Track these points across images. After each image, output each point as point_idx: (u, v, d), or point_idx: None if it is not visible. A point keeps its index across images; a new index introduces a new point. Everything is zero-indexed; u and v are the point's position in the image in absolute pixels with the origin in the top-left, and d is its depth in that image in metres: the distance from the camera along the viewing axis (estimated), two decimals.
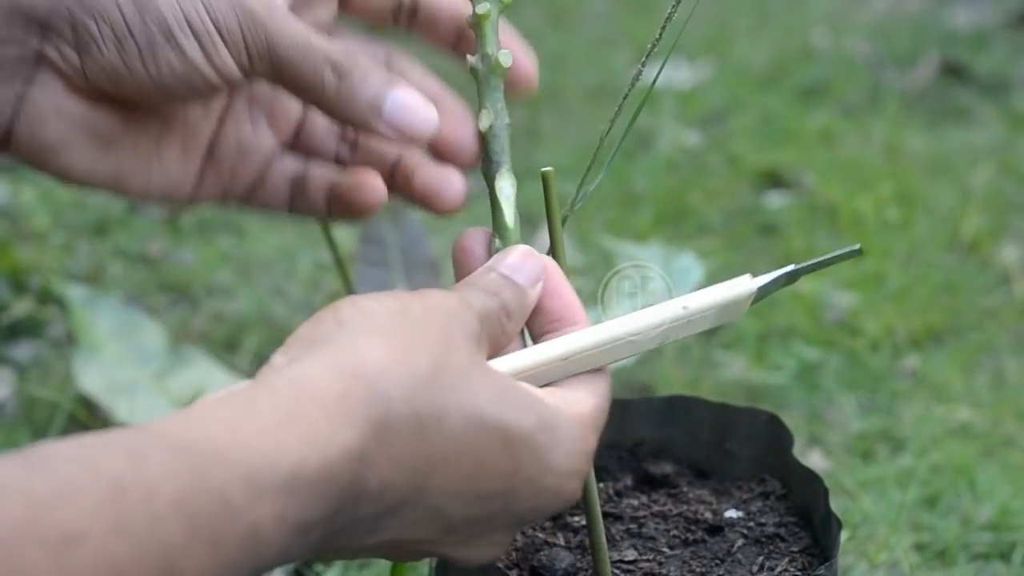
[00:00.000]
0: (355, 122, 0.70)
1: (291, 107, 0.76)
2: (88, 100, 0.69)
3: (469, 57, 0.71)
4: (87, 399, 1.34)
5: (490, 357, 0.63)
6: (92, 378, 1.35)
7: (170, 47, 0.66)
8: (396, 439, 0.55)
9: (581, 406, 0.63)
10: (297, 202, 0.76)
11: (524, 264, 0.65)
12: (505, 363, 0.63)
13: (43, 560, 0.45)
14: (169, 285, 1.65)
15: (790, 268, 0.70)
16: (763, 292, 0.70)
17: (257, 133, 0.75)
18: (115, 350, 1.40)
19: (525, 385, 0.62)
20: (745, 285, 0.69)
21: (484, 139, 0.71)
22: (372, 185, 0.74)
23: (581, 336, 0.65)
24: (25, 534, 0.45)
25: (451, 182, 0.74)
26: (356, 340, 0.56)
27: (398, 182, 0.75)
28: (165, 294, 1.64)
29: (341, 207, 0.75)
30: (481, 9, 0.70)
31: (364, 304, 0.59)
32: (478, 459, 0.57)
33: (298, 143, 0.76)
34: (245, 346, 1.50)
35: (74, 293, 1.46)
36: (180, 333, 1.52)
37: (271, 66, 0.68)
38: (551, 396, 0.62)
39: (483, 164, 0.72)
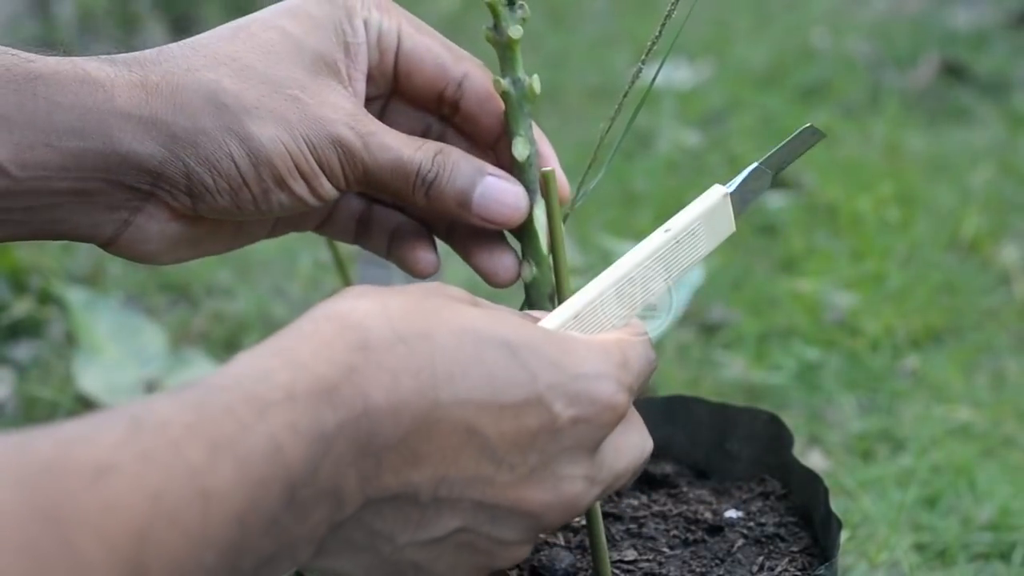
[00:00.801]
0: (449, 217, 0.74)
1: None
2: (191, 222, 0.73)
3: (500, 81, 0.71)
4: (87, 399, 1.34)
5: None
6: (92, 379, 1.35)
7: (281, 191, 0.70)
8: (382, 352, 0.56)
9: (597, 338, 0.63)
10: (362, 239, 0.79)
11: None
12: None
13: (82, 489, 0.47)
14: (169, 285, 1.65)
15: (755, 164, 0.71)
16: (742, 198, 0.70)
17: (324, 184, 0.76)
18: (115, 351, 1.41)
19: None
20: (717, 192, 0.70)
21: (519, 168, 0.71)
22: (426, 260, 0.77)
23: (582, 293, 0.66)
24: (59, 467, 0.47)
25: (505, 265, 0.75)
26: (326, 302, 0.59)
27: (455, 242, 0.77)
28: (165, 294, 1.64)
29: (398, 261, 0.78)
30: (515, 33, 0.70)
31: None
32: (484, 367, 0.57)
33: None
34: (245, 346, 1.49)
35: (74, 295, 1.46)
36: (180, 333, 1.52)
37: (366, 185, 0.72)
38: (562, 331, 0.63)
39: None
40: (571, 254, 1.64)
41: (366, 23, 0.73)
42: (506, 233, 0.75)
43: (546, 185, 0.71)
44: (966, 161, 2.02)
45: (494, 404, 0.57)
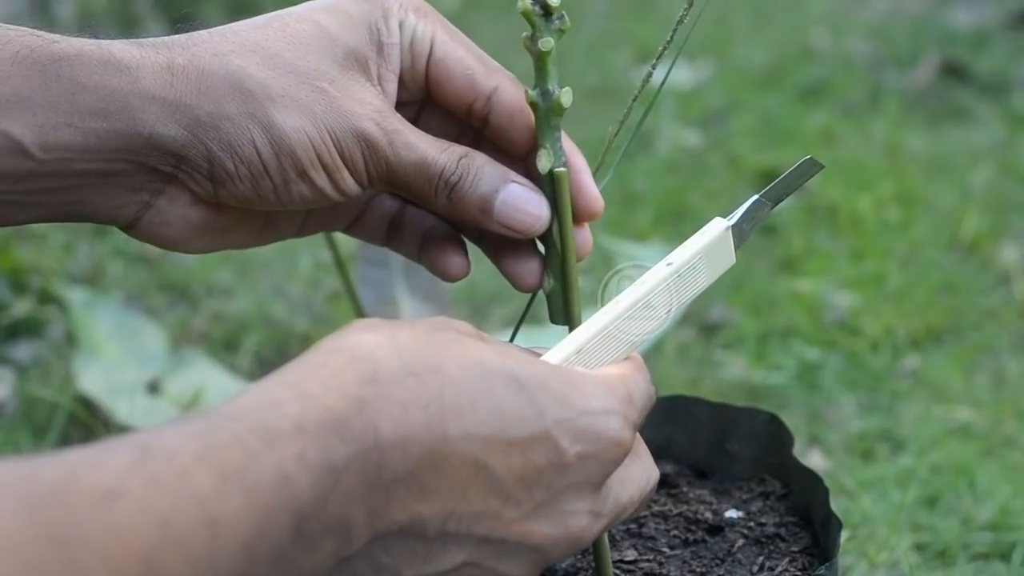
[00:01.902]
0: (470, 224, 0.73)
1: None
2: (212, 208, 0.72)
3: (529, 91, 0.71)
4: (87, 399, 1.34)
5: None
6: (92, 379, 1.35)
7: (303, 181, 0.70)
8: (392, 385, 0.56)
9: (602, 373, 0.63)
10: (393, 241, 0.78)
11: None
12: None
13: (89, 513, 0.47)
14: (169, 285, 1.65)
15: (755, 197, 0.71)
16: (742, 230, 0.71)
17: (346, 178, 0.76)
18: (115, 351, 1.41)
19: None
20: (718, 225, 0.70)
21: (541, 179, 0.71)
22: (457, 264, 0.76)
23: (586, 327, 0.66)
24: (67, 491, 0.47)
25: (531, 270, 0.74)
26: (332, 336, 0.59)
27: (485, 246, 0.76)
28: (165, 294, 1.64)
29: (428, 264, 0.77)
30: (545, 46, 0.70)
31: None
32: (493, 403, 0.57)
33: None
34: (245, 346, 1.50)
35: (74, 295, 1.46)
36: (180, 333, 1.52)
37: (389, 183, 0.71)
38: (569, 367, 0.63)
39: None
40: None
41: (401, 25, 0.73)
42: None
43: (558, 186, 0.71)
44: (966, 161, 2.02)
45: (502, 439, 0.57)
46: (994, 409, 1.38)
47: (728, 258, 0.71)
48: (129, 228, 0.72)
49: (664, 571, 0.77)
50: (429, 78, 0.73)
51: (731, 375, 1.46)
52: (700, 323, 1.55)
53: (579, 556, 0.78)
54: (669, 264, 0.68)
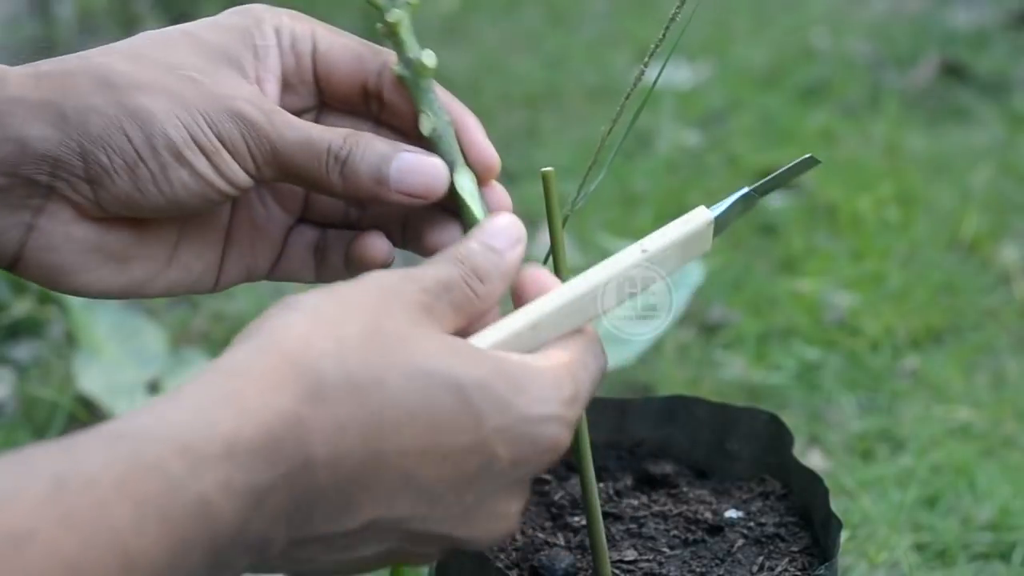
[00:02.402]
0: (367, 198, 0.71)
1: (294, 188, 0.76)
2: (99, 225, 0.69)
3: (394, 67, 0.70)
4: (87, 399, 1.34)
5: (464, 325, 0.62)
6: (92, 379, 1.35)
7: (181, 166, 0.67)
8: (332, 402, 0.55)
9: (550, 360, 0.62)
10: (321, 270, 0.76)
11: (499, 227, 0.65)
12: (477, 340, 0.63)
13: (0, 559, 0.45)
14: None
15: (745, 190, 0.70)
16: (724, 221, 0.69)
17: (269, 212, 0.75)
18: (115, 351, 1.41)
19: (482, 345, 0.62)
20: (702, 216, 0.68)
21: (431, 142, 0.70)
22: (377, 247, 0.74)
23: (547, 300, 0.65)
24: None
25: (454, 237, 0.72)
26: (281, 326, 0.57)
27: (409, 237, 0.75)
28: None
29: (355, 268, 0.75)
30: (392, 17, 0.70)
31: (292, 299, 0.59)
32: (431, 415, 0.57)
33: (310, 213, 0.76)
34: None
35: (74, 296, 1.46)
36: (180, 333, 1.52)
37: (277, 168, 0.69)
38: (515, 355, 0.61)
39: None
40: (571, 254, 1.64)
41: (277, 30, 0.72)
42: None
43: (545, 185, 0.71)
44: (966, 161, 2.02)
45: (437, 452, 0.57)
46: (994, 409, 1.38)
47: (704, 246, 0.69)
48: (15, 263, 0.69)
49: (664, 571, 0.77)
50: (318, 74, 0.72)
51: (731, 375, 1.46)
52: (700, 323, 1.55)
53: (579, 556, 0.78)
54: (644, 251, 0.67)
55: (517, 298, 0.66)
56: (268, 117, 0.68)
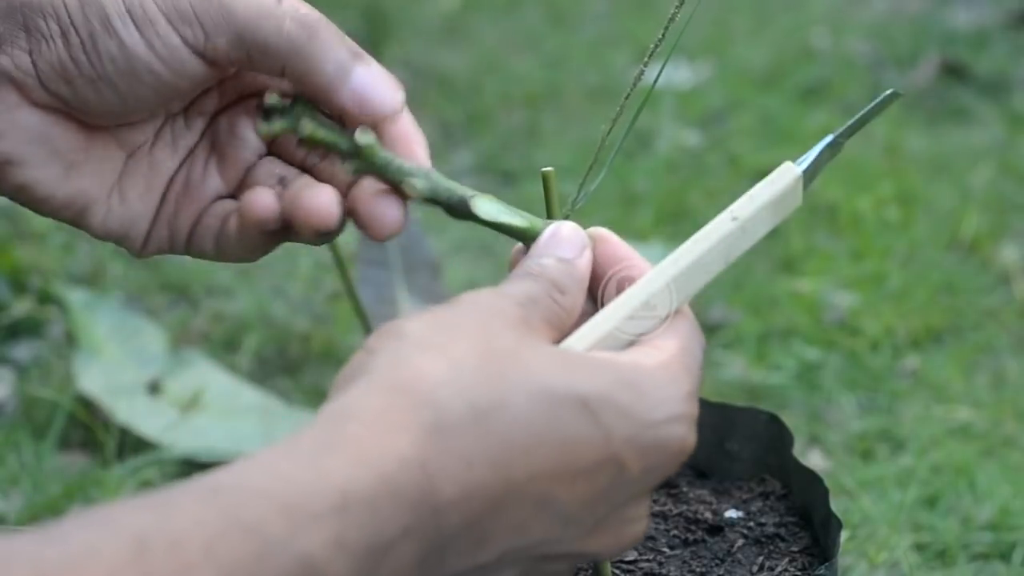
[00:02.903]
0: (319, 87, 0.66)
1: (244, 156, 0.72)
2: (45, 114, 0.68)
3: (344, 168, 0.67)
4: (87, 399, 1.34)
5: (557, 337, 0.61)
6: (92, 379, 1.35)
7: (108, 36, 0.65)
8: (456, 435, 0.52)
9: (662, 353, 0.60)
10: (221, 240, 0.72)
11: (564, 237, 0.64)
12: (574, 341, 0.61)
13: None
14: (169, 285, 1.65)
15: (829, 138, 0.67)
16: (813, 173, 0.66)
17: (206, 174, 0.72)
18: (115, 351, 1.41)
19: (592, 352, 0.60)
20: (790, 173, 0.66)
21: (431, 201, 0.67)
22: (325, 199, 0.68)
23: (639, 288, 0.63)
24: None
25: (394, 212, 0.67)
26: (390, 359, 0.54)
27: (349, 210, 0.70)
28: (165, 294, 1.64)
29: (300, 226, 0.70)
30: (364, 139, 0.67)
31: (393, 327, 0.56)
32: (561, 435, 0.54)
33: (240, 188, 0.72)
34: (245, 346, 1.50)
35: (74, 295, 1.46)
36: (180, 333, 1.52)
37: (232, 35, 0.65)
38: (625, 355, 0.60)
39: (451, 213, 0.68)
40: None
41: None
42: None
43: (546, 185, 0.71)
44: (966, 161, 2.02)
45: (568, 472, 0.55)
46: (994, 409, 1.38)
47: (795, 201, 0.66)
48: None
49: (664, 571, 0.77)
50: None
51: (731, 375, 1.46)
52: (700, 323, 1.55)
53: None
54: (735, 219, 0.65)
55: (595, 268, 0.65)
56: None
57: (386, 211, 0.67)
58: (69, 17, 0.65)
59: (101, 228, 0.70)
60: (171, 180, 0.71)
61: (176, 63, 0.66)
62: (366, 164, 0.67)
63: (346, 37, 0.67)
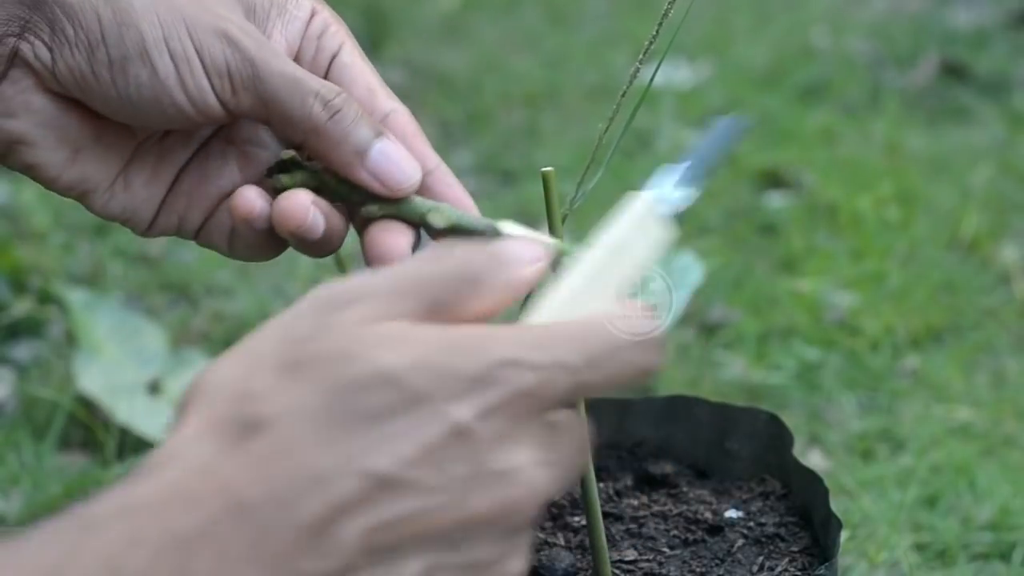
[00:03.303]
0: (337, 163, 0.68)
1: (263, 156, 0.73)
2: (57, 101, 0.69)
3: (370, 210, 0.69)
4: (87, 399, 1.34)
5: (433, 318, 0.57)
6: (92, 378, 1.35)
7: (141, 63, 0.66)
8: (254, 511, 0.51)
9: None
10: (231, 237, 0.73)
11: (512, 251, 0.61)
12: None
13: None
14: (169, 285, 1.65)
15: (682, 166, 0.68)
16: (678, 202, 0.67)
17: (224, 168, 0.73)
18: (115, 351, 1.41)
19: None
20: (639, 201, 0.67)
21: (455, 231, 0.68)
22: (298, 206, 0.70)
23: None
24: None
25: (400, 245, 0.69)
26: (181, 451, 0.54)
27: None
28: (165, 294, 1.64)
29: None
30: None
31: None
32: (362, 412, 0.52)
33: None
34: None
35: (74, 295, 1.46)
36: (180, 333, 1.52)
37: (256, 97, 0.67)
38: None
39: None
40: None
41: (313, 12, 0.71)
42: None
43: (545, 185, 0.71)
44: (966, 161, 2.02)
45: (385, 440, 0.52)
46: (994, 409, 1.38)
47: (659, 232, 0.66)
48: None
49: (664, 571, 0.77)
50: (329, 78, 0.71)
51: (731, 375, 1.46)
52: (700, 323, 1.55)
53: (579, 556, 0.78)
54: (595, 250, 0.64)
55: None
56: (257, 44, 0.67)
57: (393, 247, 0.68)
58: (102, 34, 0.66)
59: (103, 210, 0.71)
60: (183, 170, 0.72)
61: (200, 104, 0.67)
62: (391, 209, 0.69)
63: (365, 114, 0.68)
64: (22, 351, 1.48)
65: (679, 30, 0.74)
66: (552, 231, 0.72)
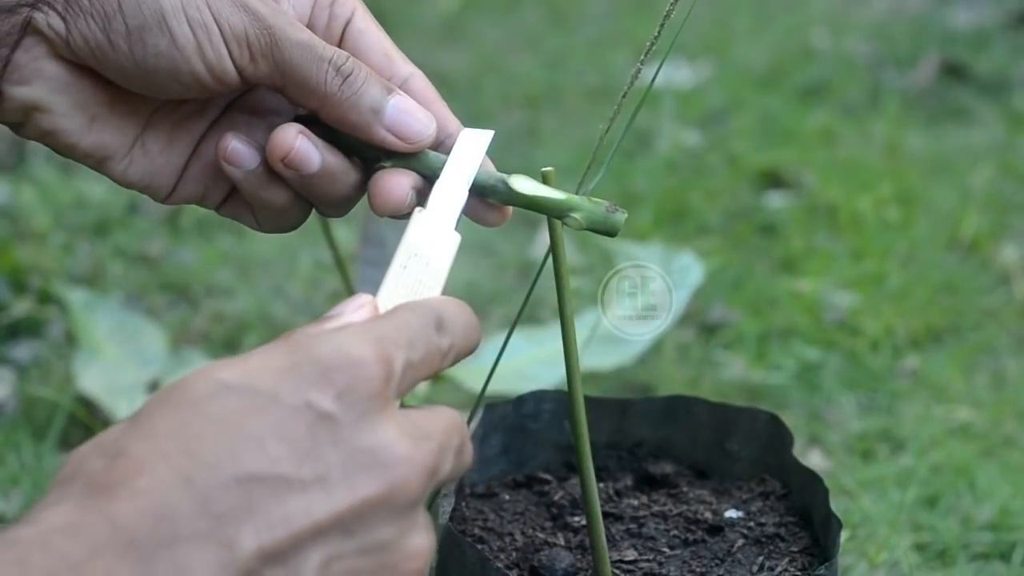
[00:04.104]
0: (355, 125, 0.69)
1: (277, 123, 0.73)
2: (71, 68, 0.69)
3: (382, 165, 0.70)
4: (87, 399, 1.34)
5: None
6: (92, 379, 1.35)
7: (160, 32, 0.66)
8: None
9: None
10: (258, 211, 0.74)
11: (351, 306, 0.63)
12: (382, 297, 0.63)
13: None
14: (169, 285, 1.65)
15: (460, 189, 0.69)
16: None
17: (250, 134, 0.73)
18: (115, 351, 1.41)
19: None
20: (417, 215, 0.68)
21: (482, 193, 0.71)
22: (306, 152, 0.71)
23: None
24: None
25: (401, 184, 0.70)
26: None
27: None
28: (165, 294, 1.64)
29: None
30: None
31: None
32: (214, 416, 0.54)
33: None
34: (245, 346, 1.50)
35: (74, 295, 1.46)
36: (180, 333, 1.52)
37: (273, 65, 0.68)
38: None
39: (491, 196, 0.71)
40: (571, 253, 1.64)
41: None
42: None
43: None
44: (966, 161, 2.02)
45: (250, 441, 0.53)
46: (994, 409, 1.38)
47: (450, 239, 0.68)
48: None
49: (664, 571, 0.77)
50: (344, 45, 0.72)
51: (731, 375, 1.46)
52: (700, 323, 1.55)
53: (579, 556, 0.78)
54: (405, 265, 0.66)
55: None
56: (274, 13, 0.68)
57: (394, 187, 0.69)
58: (119, 3, 0.66)
59: (122, 178, 0.72)
60: (203, 139, 0.73)
61: (218, 71, 0.68)
62: (404, 163, 0.70)
63: (375, 74, 0.69)
64: (22, 351, 1.48)
65: (680, 31, 0.74)
66: (552, 231, 0.72)
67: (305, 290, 1.65)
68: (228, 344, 1.51)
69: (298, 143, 0.69)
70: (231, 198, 0.73)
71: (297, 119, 0.71)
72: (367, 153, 0.70)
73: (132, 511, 0.51)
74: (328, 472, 0.54)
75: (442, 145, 0.71)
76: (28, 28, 0.67)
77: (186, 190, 0.73)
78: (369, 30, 0.72)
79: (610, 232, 0.69)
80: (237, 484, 0.52)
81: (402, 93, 0.70)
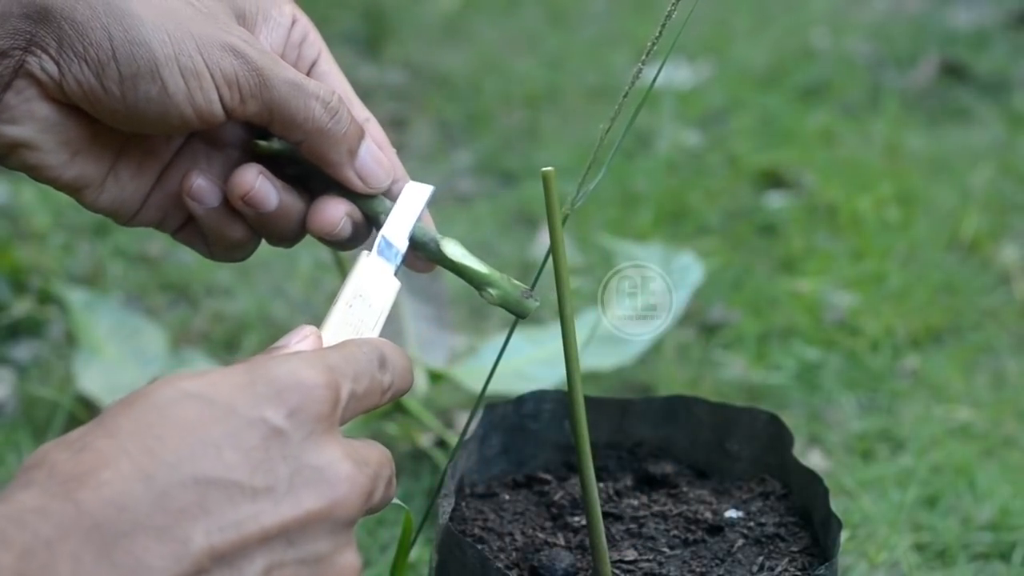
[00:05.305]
0: (330, 162, 0.72)
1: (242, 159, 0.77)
2: (61, 109, 0.71)
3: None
4: (87, 399, 1.34)
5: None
6: (92, 378, 1.35)
7: (152, 80, 0.68)
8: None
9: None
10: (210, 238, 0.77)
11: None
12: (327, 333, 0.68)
13: None
14: (169, 285, 1.65)
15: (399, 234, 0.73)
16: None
17: (210, 168, 0.75)
18: (115, 351, 1.41)
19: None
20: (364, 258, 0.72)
21: (414, 247, 0.74)
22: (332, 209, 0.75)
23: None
24: None
25: (337, 210, 0.74)
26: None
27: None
28: (165, 294, 1.64)
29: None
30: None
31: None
32: (185, 432, 0.57)
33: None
34: (245, 346, 1.50)
35: (74, 295, 1.46)
36: (180, 333, 1.52)
37: (262, 103, 0.70)
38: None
39: (422, 252, 0.74)
40: (571, 254, 1.64)
41: (295, 19, 0.74)
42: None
43: (546, 185, 0.71)
44: (966, 161, 2.02)
45: (207, 448, 0.57)
46: (994, 409, 1.38)
47: (389, 283, 0.72)
48: None
49: (664, 571, 0.77)
50: None
51: (731, 375, 1.46)
52: (700, 323, 1.55)
53: (579, 556, 0.78)
54: (349, 304, 0.70)
55: None
56: (260, 53, 0.70)
57: (331, 212, 0.73)
58: (113, 51, 0.68)
59: (93, 204, 0.74)
60: (167, 168, 0.75)
61: (206, 114, 0.70)
62: (347, 194, 0.74)
63: (353, 116, 0.73)
64: (22, 351, 1.48)
65: (680, 31, 0.74)
66: (552, 231, 0.72)
67: (305, 290, 1.65)
68: (228, 344, 1.52)
69: (258, 183, 0.72)
70: (187, 226, 0.76)
71: (252, 146, 0.74)
72: (314, 184, 0.74)
73: (96, 500, 0.54)
74: (277, 483, 0.58)
75: (388, 191, 0.75)
76: (20, 71, 0.69)
77: (147, 216, 0.75)
78: (332, 72, 0.76)
79: (520, 315, 0.73)
80: (195, 484, 0.56)
81: (370, 139, 0.74)
